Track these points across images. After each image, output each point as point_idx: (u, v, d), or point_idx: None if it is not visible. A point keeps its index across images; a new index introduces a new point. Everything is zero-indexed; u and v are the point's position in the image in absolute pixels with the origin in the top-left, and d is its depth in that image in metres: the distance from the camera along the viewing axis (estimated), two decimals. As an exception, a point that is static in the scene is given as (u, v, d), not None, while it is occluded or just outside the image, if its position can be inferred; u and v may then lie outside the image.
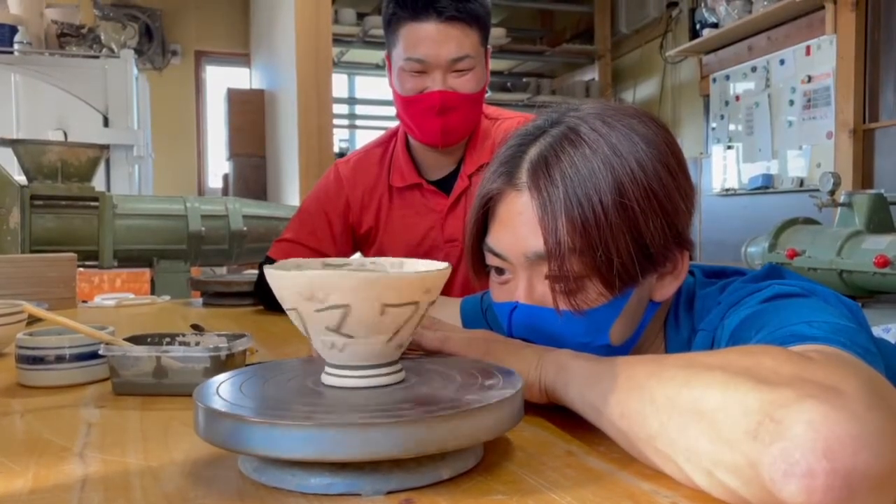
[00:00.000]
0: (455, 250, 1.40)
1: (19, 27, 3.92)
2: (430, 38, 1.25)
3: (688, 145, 4.53)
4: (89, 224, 2.29)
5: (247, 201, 2.68)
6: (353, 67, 5.63)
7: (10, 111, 3.74)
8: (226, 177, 5.12)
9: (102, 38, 4.22)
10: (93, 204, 2.30)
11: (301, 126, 3.87)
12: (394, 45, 1.31)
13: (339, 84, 5.32)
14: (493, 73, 4.49)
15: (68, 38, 4.08)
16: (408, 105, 1.32)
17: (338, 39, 4.61)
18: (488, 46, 1.35)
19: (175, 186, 5.03)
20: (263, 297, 1.46)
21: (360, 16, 4.84)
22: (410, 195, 1.42)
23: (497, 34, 4.98)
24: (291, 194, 4.11)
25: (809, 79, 3.47)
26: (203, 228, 2.40)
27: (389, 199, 1.44)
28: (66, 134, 3.71)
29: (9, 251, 2.09)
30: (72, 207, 2.29)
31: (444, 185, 1.41)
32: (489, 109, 1.45)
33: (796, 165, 3.60)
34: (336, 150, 4.40)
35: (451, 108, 1.29)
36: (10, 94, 3.74)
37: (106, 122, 3.91)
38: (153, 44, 5.33)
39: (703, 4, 4.01)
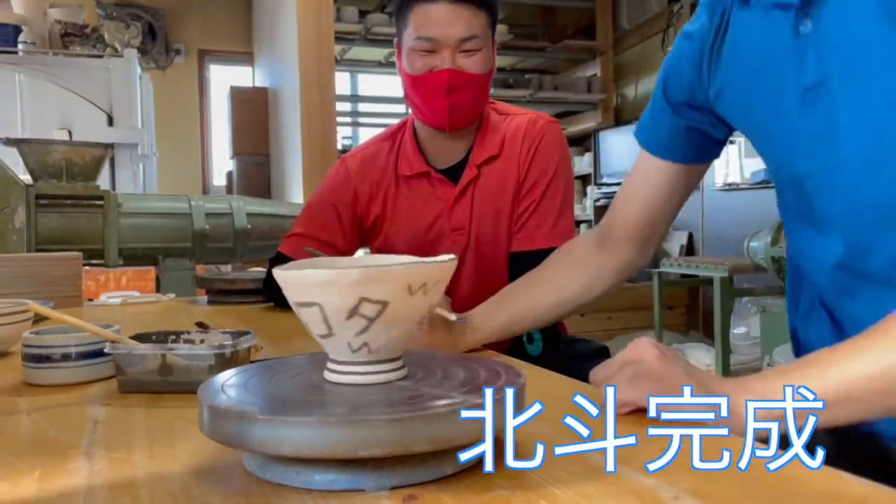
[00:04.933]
0: (461, 239, 1.40)
1: (23, 27, 3.93)
2: (440, 18, 1.27)
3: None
4: (94, 223, 2.30)
5: (251, 199, 2.69)
6: (356, 65, 5.63)
7: (14, 111, 3.75)
8: (230, 175, 5.13)
9: (106, 37, 4.23)
10: (98, 203, 2.30)
11: (304, 124, 3.87)
12: (404, 27, 1.32)
13: (341, 82, 5.32)
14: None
15: (72, 37, 4.09)
16: (416, 84, 1.32)
17: (340, 37, 4.60)
18: (495, 37, 1.36)
19: (179, 185, 5.04)
20: (272, 294, 1.46)
21: (362, 13, 4.84)
22: (417, 184, 1.42)
23: (499, 30, 4.97)
24: (295, 192, 4.11)
25: (811, 73, 3.45)
26: (207, 226, 2.40)
27: (396, 189, 1.44)
28: (70, 133, 3.72)
29: (15, 250, 2.09)
30: (77, 206, 2.30)
31: (452, 174, 1.42)
32: (499, 105, 1.46)
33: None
34: (339, 147, 4.40)
35: (458, 86, 1.30)
36: (14, 94, 3.75)
37: (110, 122, 3.92)
38: (156, 43, 5.33)
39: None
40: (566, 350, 1.48)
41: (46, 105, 3.79)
